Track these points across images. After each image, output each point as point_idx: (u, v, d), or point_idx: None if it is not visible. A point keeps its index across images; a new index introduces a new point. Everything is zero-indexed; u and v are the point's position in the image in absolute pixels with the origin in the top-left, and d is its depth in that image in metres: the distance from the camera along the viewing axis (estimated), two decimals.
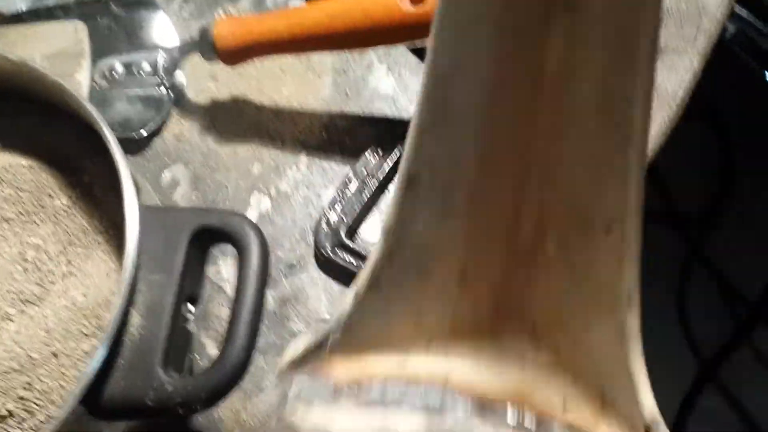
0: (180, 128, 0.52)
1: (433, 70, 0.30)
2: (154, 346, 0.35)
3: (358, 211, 0.49)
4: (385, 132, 0.51)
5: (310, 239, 0.49)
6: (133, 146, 0.51)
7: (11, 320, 0.37)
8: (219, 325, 0.47)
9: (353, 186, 0.49)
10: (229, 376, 0.34)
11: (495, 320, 0.35)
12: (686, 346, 1.08)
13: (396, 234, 0.33)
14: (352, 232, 0.49)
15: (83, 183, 0.41)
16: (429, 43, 0.30)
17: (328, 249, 0.48)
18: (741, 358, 1.04)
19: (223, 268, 0.49)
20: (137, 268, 0.35)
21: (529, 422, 0.32)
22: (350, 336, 0.33)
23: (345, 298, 0.34)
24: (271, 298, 0.48)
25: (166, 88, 0.52)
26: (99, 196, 0.41)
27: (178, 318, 0.36)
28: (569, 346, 0.34)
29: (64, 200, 0.41)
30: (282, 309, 0.48)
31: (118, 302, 0.34)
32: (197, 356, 0.46)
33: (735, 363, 1.05)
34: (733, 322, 1.07)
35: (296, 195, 0.50)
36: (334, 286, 0.48)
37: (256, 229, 0.37)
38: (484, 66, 0.32)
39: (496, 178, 0.34)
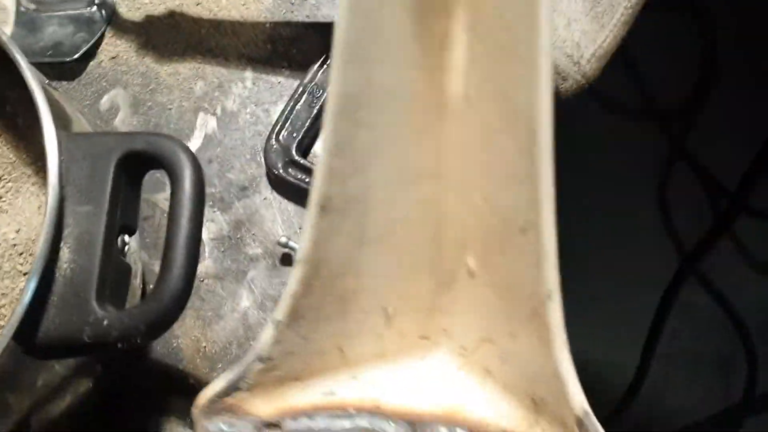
0: (116, 49, 0.49)
1: (340, 89, 0.30)
2: (87, 280, 0.33)
3: (308, 126, 0.47)
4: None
5: (261, 159, 0.47)
6: (67, 72, 0.48)
7: None
8: None
9: (302, 100, 0.47)
10: (168, 306, 0.33)
11: (425, 346, 0.36)
12: (668, 240, 1.08)
13: (312, 261, 0.32)
14: (304, 148, 0.47)
15: (6, 114, 0.39)
16: (332, 65, 0.30)
17: (280, 167, 0.46)
18: (722, 251, 1.04)
19: None
20: (63, 200, 0.34)
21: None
22: (271, 369, 0.33)
23: (263, 329, 0.33)
24: (224, 222, 0.46)
25: (98, 7, 0.48)
26: (23, 127, 0.38)
27: (111, 250, 0.34)
28: (497, 360, 0.34)
29: None
30: (236, 233, 0.46)
31: (43, 236, 0.32)
32: (151, 286, 0.45)
33: (716, 255, 1.05)
34: (714, 214, 1.07)
35: (243, 113, 0.48)
36: (289, 206, 0.46)
37: (188, 151, 0.35)
38: (391, 87, 0.31)
39: (412, 202, 0.34)
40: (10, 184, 0.38)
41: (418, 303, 0.35)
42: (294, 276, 0.32)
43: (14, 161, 0.38)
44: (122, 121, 0.47)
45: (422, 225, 0.34)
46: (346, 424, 0.33)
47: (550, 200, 0.29)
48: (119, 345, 0.32)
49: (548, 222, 0.29)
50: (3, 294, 0.35)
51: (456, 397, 0.34)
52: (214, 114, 0.48)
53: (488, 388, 0.34)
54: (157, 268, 0.45)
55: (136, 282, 0.40)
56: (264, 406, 0.33)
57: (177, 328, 0.44)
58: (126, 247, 0.36)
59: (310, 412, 0.33)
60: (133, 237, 0.38)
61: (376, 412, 0.33)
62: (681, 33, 1.05)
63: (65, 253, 0.33)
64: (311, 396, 0.34)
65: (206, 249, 0.46)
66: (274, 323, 0.32)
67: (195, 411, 0.32)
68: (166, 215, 0.46)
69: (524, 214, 0.30)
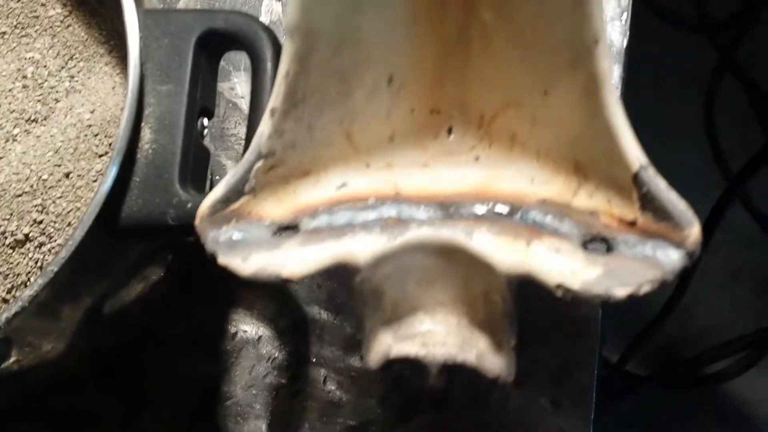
0: None
1: None
2: (169, 161, 0.32)
3: None
4: None
5: None
6: None
7: (16, 141, 0.35)
8: (237, 144, 0.44)
9: None
10: None
11: (436, 122, 0.32)
12: (713, 157, 1.06)
13: (304, 32, 0.28)
14: None
15: None
16: None
17: None
18: None
19: (237, 84, 0.45)
20: (143, 78, 0.32)
21: (500, 208, 0.29)
22: (276, 166, 0.29)
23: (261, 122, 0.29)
24: None
25: None
26: (95, 4, 0.37)
27: (192, 132, 0.33)
28: (527, 124, 0.31)
29: (59, 9, 0.37)
30: None
31: (125, 115, 0.31)
32: (218, 178, 0.44)
33: (762, 176, 1.03)
34: (762, 131, 1.04)
35: None
36: None
37: (269, 31, 0.33)
38: None
39: None
40: (81, 63, 0.37)
41: (425, 71, 0.31)
42: (286, 52, 0.28)
43: (86, 39, 0.37)
44: (185, 2, 0.46)
45: None
46: (371, 215, 0.30)
47: None
48: None
49: None
50: (79, 176, 0.35)
51: (481, 173, 0.31)
52: (279, 0, 0.46)
53: (517, 157, 0.31)
54: (223, 159, 0.45)
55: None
56: (275, 208, 0.30)
57: None
58: (205, 131, 0.35)
59: (327, 208, 0.30)
60: None
61: (398, 199, 0.30)
62: None
63: (147, 134, 0.33)
64: (324, 191, 0.31)
65: None
66: (270, 112, 0.29)
67: (198, 222, 0.29)
68: (230, 105, 0.45)
69: None
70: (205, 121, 0.35)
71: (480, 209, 0.29)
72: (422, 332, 0.29)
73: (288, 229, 0.29)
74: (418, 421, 0.39)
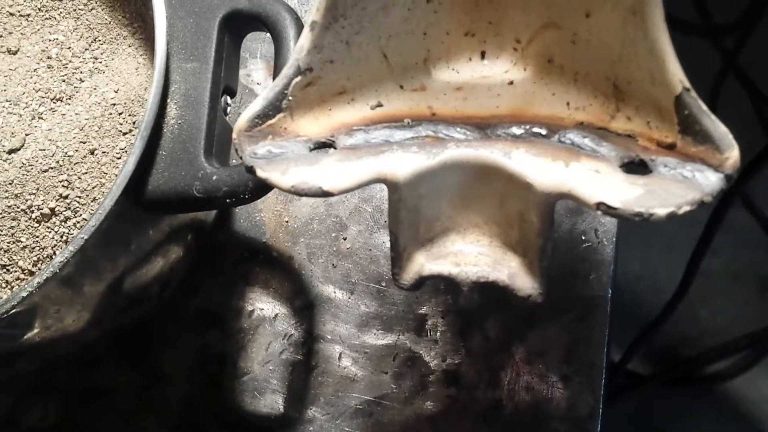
0: None
1: None
2: (195, 136, 0.33)
3: None
4: None
5: None
6: None
7: (42, 118, 0.36)
8: None
9: None
10: None
11: (471, 45, 0.33)
12: None
13: None
14: None
15: None
16: None
17: None
18: None
19: (254, 71, 0.46)
20: (169, 56, 0.33)
21: (538, 129, 0.30)
22: (313, 83, 0.30)
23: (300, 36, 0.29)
24: None
25: None
26: None
27: (216, 108, 0.34)
28: (565, 46, 0.31)
29: None
30: None
31: (152, 89, 0.32)
32: (234, 161, 0.45)
33: (763, 178, 1.04)
34: (764, 133, 1.05)
35: None
36: None
37: (292, 11, 0.34)
38: None
39: None
40: (105, 45, 0.37)
41: None
42: None
43: (109, 22, 0.38)
44: None
45: None
46: (408, 134, 0.30)
47: None
48: (227, 201, 0.33)
49: None
50: (104, 153, 0.35)
51: (515, 97, 0.31)
52: None
53: (553, 81, 0.31)
54: None
55: None
56: (310, 126, 0.30)
57: (260, 202, 0.44)
58: (228, 109, 0.36)
59: (363, 126, 0.30)
60: None
61: (434, 120, 0.30)
62: None
63: (173, 109, 0.33)
64: (359, 111, 0.31)
65: None
66: (310, 25, 0.29)
67: (235, 137, 0.29)
68: (247, 91, 0.46)
69: None
70: (228, 99, 0.36)
71: (517, 130, 0.29)
72: (454, 252, 0.30)
73: (324, 146, 0.30)
74: (432, 397, 0.40)
